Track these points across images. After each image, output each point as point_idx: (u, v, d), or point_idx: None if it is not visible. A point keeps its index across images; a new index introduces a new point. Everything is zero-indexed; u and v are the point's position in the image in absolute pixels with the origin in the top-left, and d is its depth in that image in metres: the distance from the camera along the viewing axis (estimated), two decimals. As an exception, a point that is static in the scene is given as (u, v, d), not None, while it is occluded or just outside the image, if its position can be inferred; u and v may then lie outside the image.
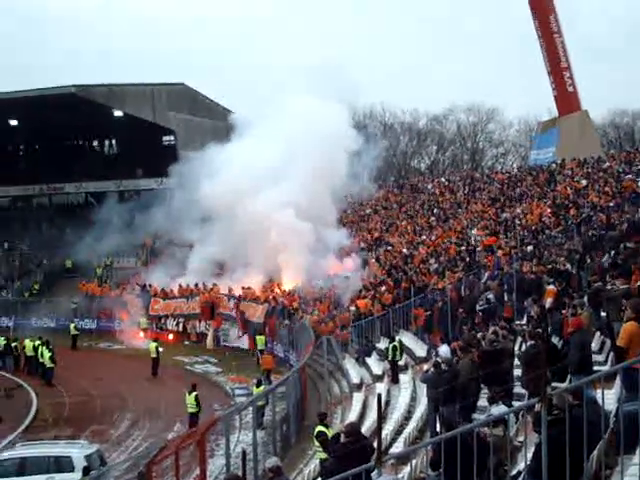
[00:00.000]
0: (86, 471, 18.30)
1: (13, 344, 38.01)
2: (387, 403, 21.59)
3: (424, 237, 40.18)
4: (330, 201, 43.85)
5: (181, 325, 43.16)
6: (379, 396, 10.82)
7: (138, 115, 55.23)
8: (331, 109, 42.51)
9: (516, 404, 13.60)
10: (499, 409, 12.10)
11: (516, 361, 16.34)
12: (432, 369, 17.00)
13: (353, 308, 33.23)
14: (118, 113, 55.42)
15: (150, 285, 45.95)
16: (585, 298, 18.47)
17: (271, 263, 41.43)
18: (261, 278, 42.13)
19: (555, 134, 51.26)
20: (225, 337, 40.81)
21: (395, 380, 24.41)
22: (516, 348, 17.16)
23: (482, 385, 15.97)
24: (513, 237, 32.40)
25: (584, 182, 37.28)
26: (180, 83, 58.98)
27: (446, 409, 14.79)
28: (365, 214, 50.36)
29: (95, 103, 52.67)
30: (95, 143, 67.35)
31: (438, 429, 15.39)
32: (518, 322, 20.87)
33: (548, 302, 19.91)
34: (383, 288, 33.27)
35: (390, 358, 25.37)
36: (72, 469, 18.48)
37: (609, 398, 10.30)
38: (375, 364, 27.50)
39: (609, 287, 17.64)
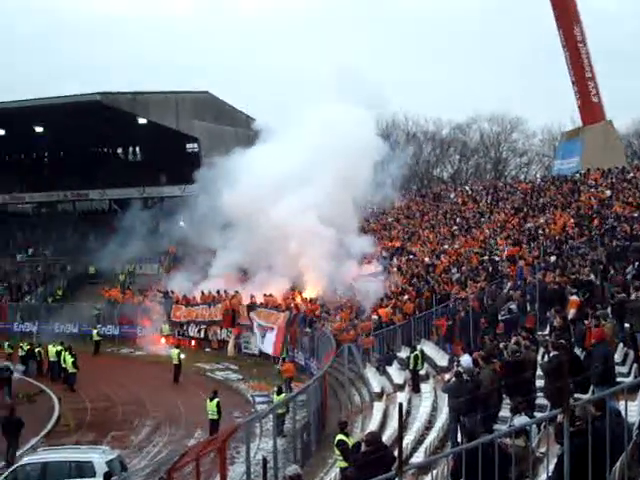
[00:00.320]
0: (107, 476, 18.32)
1: (37, 349, 38.22)
2: (408, 412, 21.51)
3: (446, 246, 40.03)
4: (352, 209, 43.79)
5: (202, 332, 43.26)
6: (400, 405, 10.79)
7: (162, 123, 55.60)
8: (356, 115, 42.44)
9: (538, 415, 13.52)
10: (521, 420, 12.03)
11: (538, 372, 16.23)
12: (454, 379, 16.93)
13: (375, 317, 33.15)
14: (142, 120, 55.81)
15: (172, 292, 46.13)
16: (609, 309, 18.35)
17: (294, 269, 41.42)
18: (284, 284, 42.09)
19: (579, 144, 50.99)
20: (246, 344, 40.83)
21: (416, 390, 24.33)
22: (538, 358, 17.05)
23: (504, 396, 15.89)
24: (536, 247, 32.21)
25: (608, 192, 37.05)
26: (204, 91, 59.31)
27: (468, 419, 14.72)
28: (387, 222, 50.27)
29: (120, 110, 53.08)
30: (119, 150, 67.87)
31: (459, 439, 15.32)
32: (541, 332, 20.73)
33: (571, 313, 19.78)
34: (405, 297, 33.17)
35: (411, 367, 25.27)
36: (93, 474, 18.54)
37: (632, 410, 10.24)
38: (396, 373, 27.42)
39: (633, 298, 17.53)
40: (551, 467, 8.75)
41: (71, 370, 34.45)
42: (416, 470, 10.58)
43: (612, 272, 22.81)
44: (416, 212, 50.62)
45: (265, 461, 13.85)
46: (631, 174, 40.04)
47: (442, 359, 26.03)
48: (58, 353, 36.34)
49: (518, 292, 25.00)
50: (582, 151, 50.10)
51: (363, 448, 12.21)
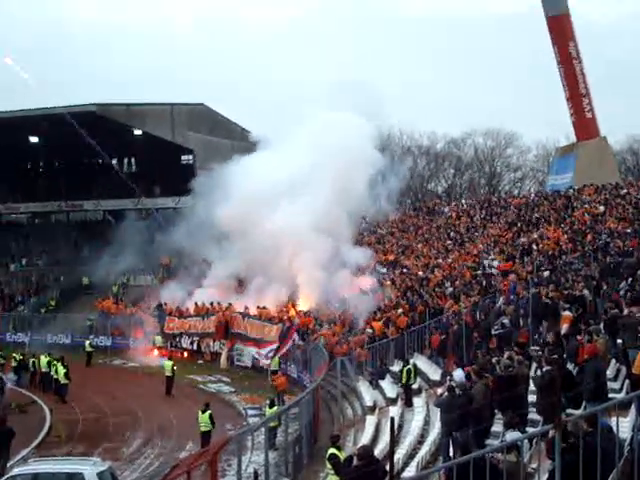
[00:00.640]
0: (98, 488, 18.26)
1: (31, 360, 38.04)
2: (400, 427, 21.49)
3: (440, 260, 40.09)
4: (347, 220, 43.81)
5: (195, 344, 43.17)
6: (392, 419, 10.78)
7: (157, 134, 55.69)
8: (354, 124, 42.51)
9: (530, 430, 13.52)
10: (513, 435, 12.04)
11: (531, 387, 16.24)
12: (446, 393, 16.93)
13: (369, 330, 33.15)
14: (137, 132, 55.89)
15: (165, 304, 46.05)
16: (601, 325, 18.38)
17: (289, 279, 41.40)
18: (279, 295, 42.03)
19: (573, 160, 51.19)
20: (239, 357, 40.76)
21: (409, 404, 24.31)
22: (531, 373, 17.07)
23: (496, 411, 15.89)
24: (530, 262, 32.28)
25: (602, 208, 37.18)
26: (199, 103, 59.40)
27: (460, 434, 14.71)
28: (381, 236, 50.31)
29: (115, 121, 53.12)
30: (114, 161, 67.97)
31: (451, 454, 15.31)
32: (533, 347, 20.75)
33: (564, 328, 19.82)
34: (399, 310, 33.18)
35: (404, 381, 25.26)
36: (84, 486, 18.43)
37: (624, 426, 10.25)
38: (389, 387, 27.40)
39: (625, 314, 17.57)
40: (542, 483, 8.76)
41: (63, 381, 34.29)
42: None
43: (605, 288, 22.87)
44: (410, 226, 50.69)
45: (256, 474, 13.88)
46: (625, 190, 40.19)
47: (435, 373, 26.03)
48: (50, 364, 36.22)
49: (511, 307, 25.04)
50: (576, 167, 50.28)
51: (355, 462, 12.20)
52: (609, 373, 16.33)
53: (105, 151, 55.31)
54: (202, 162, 54.00)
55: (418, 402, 24.00)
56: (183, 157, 61.55)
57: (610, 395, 14.35)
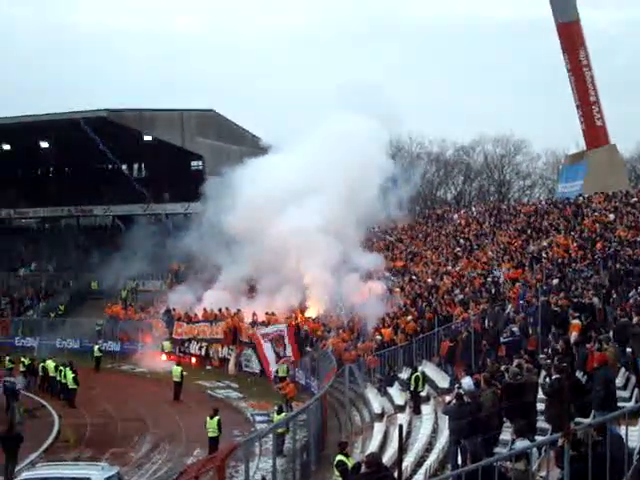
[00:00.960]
0: (106, 493, 18.29)
1: (40, 364, 38.05)
2: (408, 434, 21.44)
3: (449, 267, 40.01)
4: (356, 225, 43.77)
5: (204, 349, 43.19)
6: (400, 427, 10.79)
7: (167, 140, 55.85)
8: (365, 129, 42.45)
9: (539, 438, 13.48)
10: (522, 443, 12.00)
11: (540, 395, 16.19)
12: (454, 401, 16.89)
13: (378, 336, 33.10)
14: (147, 137, 56.06)
15: (174, 309, 46.09)
16: (611, 333, 18.32)
17: (298, 283, 41.37)
18: (288, 299, 41.98)
19: (583, 167, 51.02)
20: (247, 363, 40.73)
21: (417, 411, 24.26)
22: (540, 381, 17.01)
23: (504, 419, 15.84)
24: (539, 270, 32.20)
25: (611, 216, 37.05)
26: (209, 109, 59.57)
27: (469, 442, 14.67)
28: (390, 242, 50.25)
29: (125, 127, 53.29)
30: (124, 166, 68.16)
31: (459, 462, 15.27)
32: (542, 355, 20.70)
33: (573, 336, 19.76)
34: (408, 317, 33.11)
35: (412, 388, 25.21)
36: (92, 491, 18.45)
37: (633, 435, 10.22)
38: (397, 394, 27.35)
39: (635, 322, 17.52)
40: (551, 491, 8.73)
41: (72, 386, 34.36)
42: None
43: (615, 296, 22.80)
44: (419, 233, 50.63)
45: (264, 480, 13.87)
46: (635, 198, 40.04)
47: (443, 381, 25.98)
48: (57, 368, 36.28)
49: (520, 315, 24.99)
50: (586, 174, 50.10)
51: (363, 469, 12.17)
52: (618, 381, 16.29)
53: (115, 156, 55.56)
54: (211, 168, 54.08)
55: (426, 409, 23.94)
56: (193, 163, 61.68)
57: (619, 404, 14.30)
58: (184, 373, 35.66)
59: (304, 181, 41.24)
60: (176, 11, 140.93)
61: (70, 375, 34.48)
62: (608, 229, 34.98)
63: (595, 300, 22.56)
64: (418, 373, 25.56)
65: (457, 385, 19.14)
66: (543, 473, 10.34)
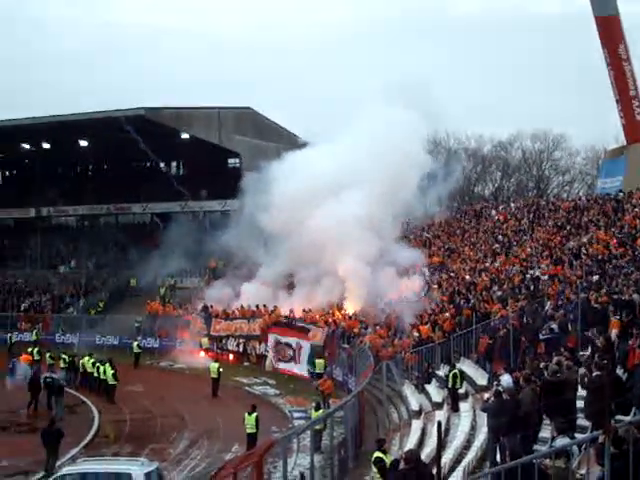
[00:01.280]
0: (145, 488, 18.44)
1: (81, 361, 38.35)
2: (446, 431, 21.34)
3: (487, 264, 39.73)
4: (392, 222, 43.63)
5: (241, 346, 43.39)
6: (439, 423, 10.73)
7: (204, 138, 56.14)
8: (405, 122, 42.27)
9: (579, 436, 13.34)
10: (562, 441, 11.89)
11: (580, 392, 16.03)
12: (493, 398, 16.78)
13: (415, 333, 32.99)
14: (185, 135, 56.43)
15: (212, 306, 46.34)
16: (652, 330, 18.07)
17: (335, 276, 41.34)
18: (327, 294, 41.97)
19: (623, 163, 50.38)
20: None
21: (455, 408, 24.14)
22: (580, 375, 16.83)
23: (544, 416, 15.70)
24: (579, 266, 31.86)
25: (652, 212, 36.58)
26: (246, 107, 59.77)
27: (508, 439, 14.57)
28: (427, 238, 50.02)
29: (163, 125, 53.66)
30: (162, 164, 68.66)
31: (498, 459, 15.16)
32: (582, 353, 20.50)
33: (613, 333, 19.54)
34: (447, 314, 32.96)
35: (450, 386, 25.09)
36: (131, 486, 18.62)
37: (676, 433, 10.05)
38: (435, 391, 27.25)
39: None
40: (592, 489, 8.64)
41: (111, 382, 34.70)
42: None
43: (656, 292, 22.48)
44: (457, 229, 50.35)
45: (302, 477, 13.89)
46: (676, 194, 39.49)
47: (481, 378, 25.82)
48: (94, 365, 36.61)
49: (560, 312, 24.74)
50: (626, 170, 49.49)
51: (402, 466, 12.14)
52: (660, 379, 16.05)
53: (153, 155, 55.98)
54: (248, 165, 54.30)
55: (464, 407, 23.82)
56: (230, 160, 61.95)
57: (661, 401, 14.11)
58: (221, 370, 35.85)
59: (343, 174, 41.19)
60: (221, 10, 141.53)
61: (110, 371, 34.82)
62: (649, 225, 34.52)
63: (635, 297, 22.27)
64: (456, 370, 25.43)
65: (496, 382, 19.01)
66: (583, 471, 10.23)
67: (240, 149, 57.87)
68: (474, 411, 22.38)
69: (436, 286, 38.86)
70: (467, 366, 27.83)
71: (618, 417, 12.94)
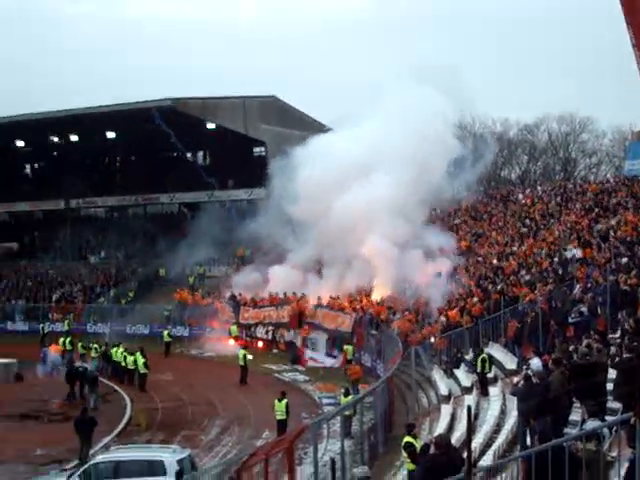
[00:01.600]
0: (178, 475, 18.67)
1: (112, 350, 38.67)
2: (476, 416, 21.37)
3: (514, 248, 39.54)
4: (419, 205, 43.50)
5: (270, 333, 43.58)
6: (469, 407, 10.77)
7: (230, 127, 56.29)
8: (434, 104, 42.05)
9: (610, 419, 13.32)
10: (593, 423, 11.88)
11: (610, 375, 15.97)
12: (522, 382, 16.77)
13: (443, 318, 32.97)
14: (211, 125, 56.62)
15: (240, 294, 46.55)
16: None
17: (364, 262, 41.34)
18: (356, 279, 41.99)
19: (650, 144, 49.90)
20: (313, 346, 40.98)
21: (484, 392, 24.14)
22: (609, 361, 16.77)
23: (574, 399, 15.67)
24: (607, 249, 31.64)
25: (682, 193, 36.22)
26: (271, 95, 59.75)
27: (538, 423, 14.56)
28: (454, 223, 49.82)
29: (190, 116, 53.86)
30: (188, 155, 68.95)
31: (529, 442, 15.17)
32: (612, 335, 20.40)
33: (644, 315, 19.42)
34: (474, 299, 32.90)
35: (479, 370, 25.08)
36: (164, 473, 18.84)
37: None
38: (463, 376, 27.23)
39: None
40: (622, 472, 8.65)
41: (142, 371, 35.04)
42: (485, 473, 10.55)
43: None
44: (484, 213, 50.10)
45: (333, 462, 13.98)
46: None
47: (510, 362, 25.76)
48: (124, 354, 36.94)
49: (589, 295, 24.61)
50: (654, 151, 49.00)
51: (432, 450, 12.20)
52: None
53: (180, 145, 56.25)
54: (274, 154, 54.40)
55: (494, 391, 23.81)
56: (255, 149, 62.01)
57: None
58: (248, 357, 36.01)
59: (370, 158, 41.10)
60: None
61: (141, 360, 35.16)
62: (678, 206, 34.19)
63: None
64: (484, 355, 25.40)
65: (525, 366, 18.98)
66: (614, 453, 10.22)
67: (265, 138, 57.93)
68: (504, 395, 22.36)
69: (463, 270, 38.76)
70: (496, 350, 27.78)
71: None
